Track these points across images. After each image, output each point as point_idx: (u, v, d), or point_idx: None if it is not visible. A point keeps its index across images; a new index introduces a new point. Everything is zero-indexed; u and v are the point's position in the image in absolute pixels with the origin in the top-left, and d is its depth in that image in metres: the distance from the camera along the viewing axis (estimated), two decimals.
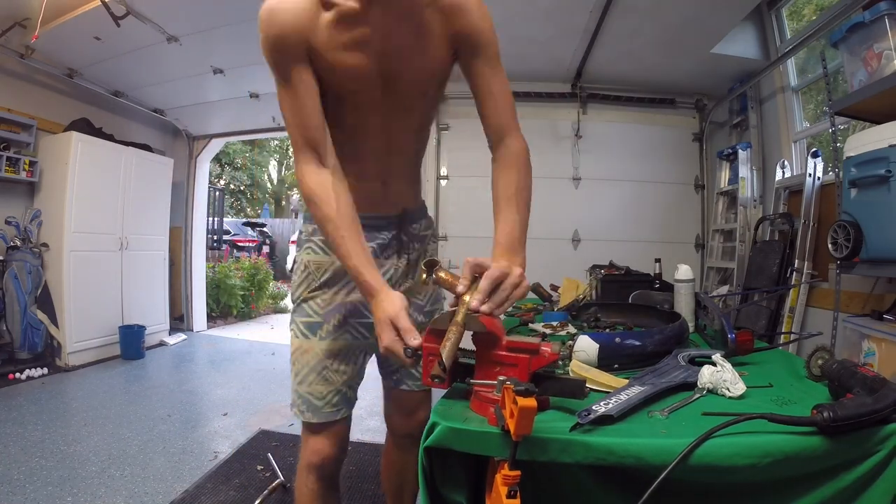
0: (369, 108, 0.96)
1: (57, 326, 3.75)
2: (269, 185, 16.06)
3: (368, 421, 2.85)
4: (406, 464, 1.26)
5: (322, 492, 1.09)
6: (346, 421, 1.11)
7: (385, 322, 0.82)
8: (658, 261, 1.97)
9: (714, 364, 0.88)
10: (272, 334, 5.68)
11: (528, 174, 0.96)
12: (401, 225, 1.09)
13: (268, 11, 0.86)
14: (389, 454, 1.32)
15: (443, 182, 4.31)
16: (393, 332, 0.81)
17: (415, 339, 0.78)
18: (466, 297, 0.78)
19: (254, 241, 10.23)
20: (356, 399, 1.13)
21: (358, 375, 1.12)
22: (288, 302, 6.82)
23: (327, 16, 0.87)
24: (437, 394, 0.84)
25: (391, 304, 0.83)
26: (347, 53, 0.90)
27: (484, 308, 0.76)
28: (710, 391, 0.84)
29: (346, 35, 0.88)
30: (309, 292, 1.07)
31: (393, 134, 1.00)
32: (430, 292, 1.17)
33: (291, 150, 0.74)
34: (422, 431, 1.16)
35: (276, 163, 15.77)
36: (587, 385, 0.76)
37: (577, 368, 0.88)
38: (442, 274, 0.85)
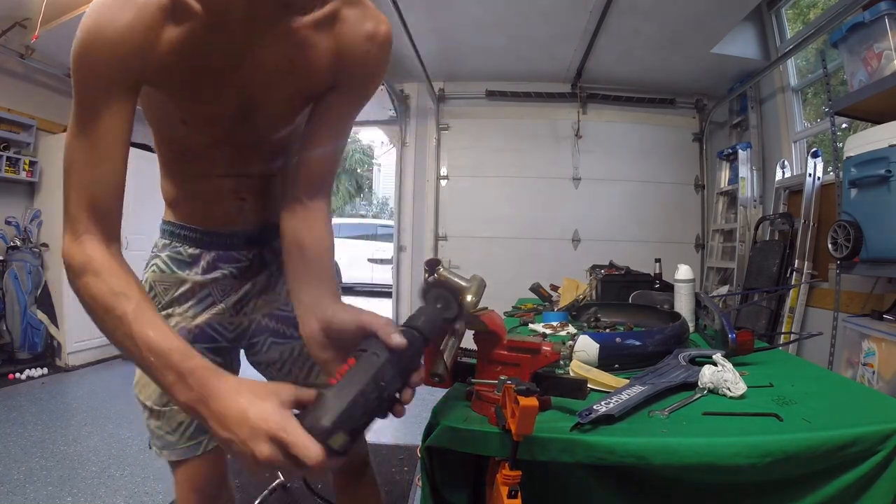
0: (222, 133, 0.78)
1: (57, 326, 3.74)
2: None
3: None
4: (367, 499, 1.08)
5: None
6: (214, 455, 0.88)
7: (260, 435, 0.49)
8: (658, 261, 1.98)
9: (715, 364, 0.88)
10: None
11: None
12: (262, 242, 0.93)
13: (92, 29, 0.59)
14: (341, 496, 1.10)
15: (442, 182, 4.30)
16: (276, 446, 0.48)
17: (313, 451, 0.47)
18: (468, 297, 0.78)
19: None
20: None
21: None
22: None
23: (173, 32, 0.63)
24: (439, 393, 0.84)
25: (263, 406, 0.50)
26: (198, 77, 0.69)
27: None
28: (710, 391, 0.84)
29: (199, 56, 0.66)
30: None
31: (251, 156, 0.84)
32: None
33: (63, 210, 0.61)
34: (363, 464, 1.07)
35: None
36: (588, 385, 0.76)
37: (577, 368, 0.88)
38: (444, 272, 0.86)
